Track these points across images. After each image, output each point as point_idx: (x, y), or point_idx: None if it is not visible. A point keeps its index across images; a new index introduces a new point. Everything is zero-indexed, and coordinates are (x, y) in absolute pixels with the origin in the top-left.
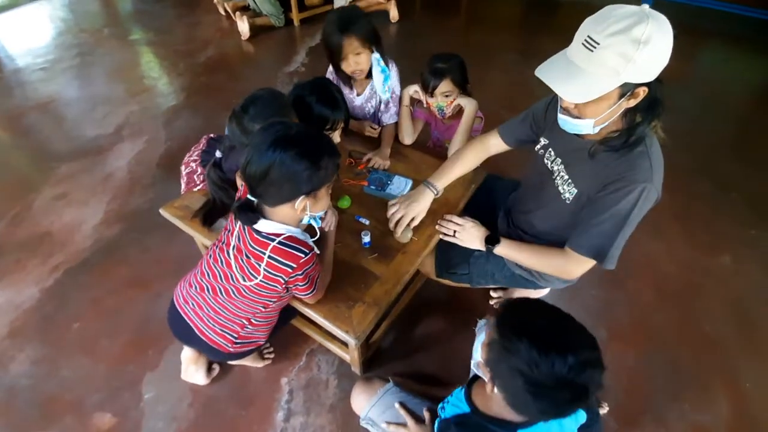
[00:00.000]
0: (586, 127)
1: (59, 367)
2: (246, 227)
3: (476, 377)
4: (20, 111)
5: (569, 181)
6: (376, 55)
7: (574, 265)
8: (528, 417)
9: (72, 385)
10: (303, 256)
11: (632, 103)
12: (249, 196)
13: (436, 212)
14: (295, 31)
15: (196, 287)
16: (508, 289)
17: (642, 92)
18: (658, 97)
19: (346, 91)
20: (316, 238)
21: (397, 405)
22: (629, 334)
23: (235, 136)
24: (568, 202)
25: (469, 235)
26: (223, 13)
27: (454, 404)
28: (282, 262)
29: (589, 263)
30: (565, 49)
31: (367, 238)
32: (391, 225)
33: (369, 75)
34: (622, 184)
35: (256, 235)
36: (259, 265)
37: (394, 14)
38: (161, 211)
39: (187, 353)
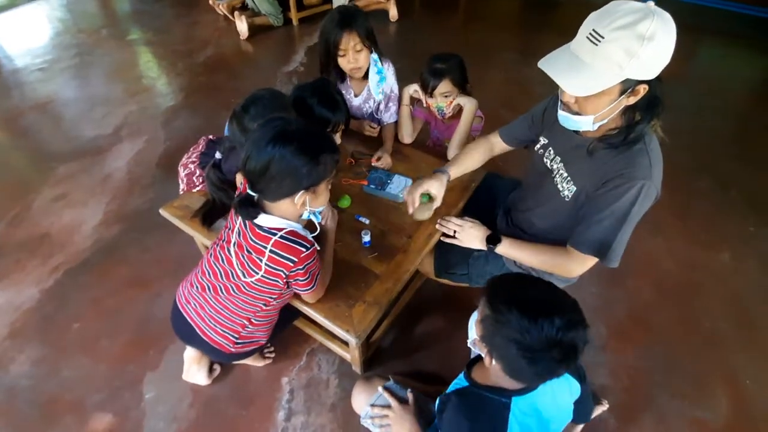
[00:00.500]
0: (586, 123)
1: (59, 368)
2: (247, 223)
3: (474, 362)
4: (19, 111)
5: (568, 178)
6: (374, 56)
7: (576, 264)
8: (525, 382)
9: (72, 385)
10: (304, 250)
11: (632, 100)
12: (249, 191)
13: (436, 211)
14: (294, 30)
15: (197, 287)
16: None
17: (642, 90)
18: (657, 96)
19: (345, 87)
20: (316, 233)
21: (380, 389)
22: (629, 331)
23: (236, 137)
24: (567, 199)
25: (468, 235)
26: (221, 13)
27: (454, 384)
28: (283, 256)
29: (590, 261)
30: (569, 43)
31: (367, 238)
32: (410, 208)
33: (366, 76)
34: (621, 181)
35: (257, 230)
36: (261, 260)
37: (393, 13)
38: (161, 211)
39: (190, 353)
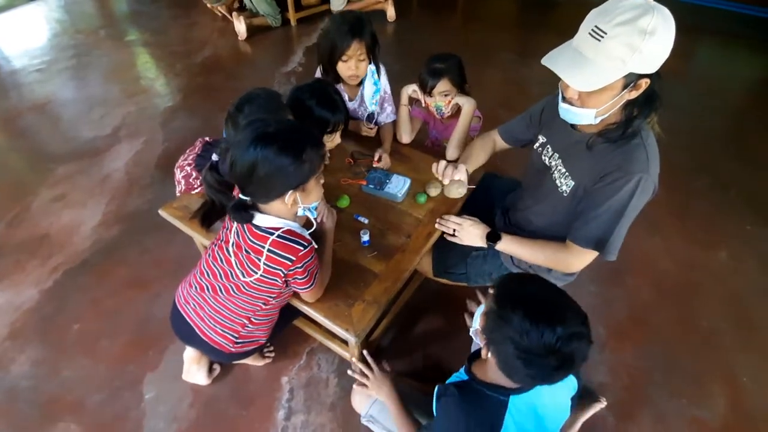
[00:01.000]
0: (588, 117)
1: (59, 368)
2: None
3: (475, 355)
4: (17, 112)
5: (566, 174)
6: (372, 68)
7: (576, 258)
8: (518, 382)
9: (72, 385)
10: (302, 248)
11: (634, 94)
12: (241, 196)
13: (435, 211)
14: (292, 30)
15: (196, 287)
16: None
17: (644, 84)
18: (656, 91)
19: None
20: (312, 230)
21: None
22: (627, 330)
23: (231, 138)
24: (565, 195)
25: (468, 233)
26: (218, 13)
27: (455, 376)
28: (281, 255)
29: (590, 255)
30: (571, 40)
31: (366, 237)
32: (445, 179)
33: (360, 83)
34: (619, 174)
35: (255, 230)
36: (259, 260)
37: (391, 14)
38: (160, 211)
39: (190, 353)
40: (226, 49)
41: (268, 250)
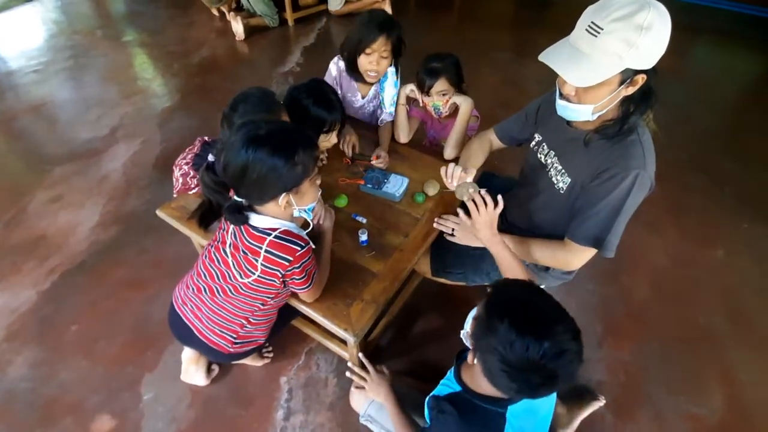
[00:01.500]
0: (585, 113)
1: (58, 370)
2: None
3: (464, 356)
4: (13, 113)
5: (562, 171)
6: (392, 69)
7: (574, 256)
8: (503, 393)
9: (71, 387)
10: (299, 249)
11: (631, 90)
12: (235, 197)
13: (433, 211)
14: (290, 31)
15: (193, 289)
16: None
17: (641, 79)
18: (651, 88)
19: (352, 89)
20: (309, 230)
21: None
22: (625, 328)
23: (227, 137)
24: (561, 192)
25: (466, 233)
26: (216, 14)
27: (445, 384)
28: (279, 256)
29: (589, 253)
30: (568, 36)
31: (364, 237)
32: (454, 181)
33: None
34: (616, 171)
35: (252, 231)
36: (256, 261)
37: (388, 12)
38: (158, 212)
39: (188, 354)
40: (223, 50)
41: (266, 251)
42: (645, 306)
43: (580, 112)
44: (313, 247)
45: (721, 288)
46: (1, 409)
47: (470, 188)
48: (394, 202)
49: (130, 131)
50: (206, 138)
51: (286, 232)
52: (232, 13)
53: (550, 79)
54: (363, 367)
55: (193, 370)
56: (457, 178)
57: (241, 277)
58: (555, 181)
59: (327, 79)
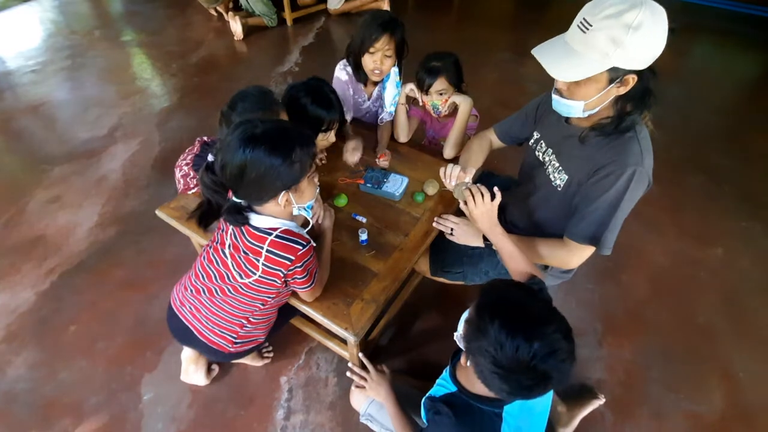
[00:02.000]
0: (577, 109)
1: (57, 371)
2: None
3: (459, 356)
4: (11, 114)
5: (560, 168)
6: (395, 69)
7: (573, 255)
8: (496, 394)
9: (70, 388)
10: (301, 248)
11: (622, 90)
12: (234, 198)
13: (433, 210)
14: (288, 30)
15: (191, 290)
16: None
17: (631, 80)
18: (649, 88)
19: (358, 89)
20: (308, 228)
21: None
22: (624, 327)
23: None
24: (559, 189)
25: (465, 232)
26: (214, 14)
27: (440, 384)
28: (280, 255)
29: (587, 251)
30: (565, 33)
31: (364, 236)
32: (452, 181)
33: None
34: (613, 168)
35: (252, 231)
36: (258, 260)
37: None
38: (157, 212)
39: (188, 353)
40: (222, 49)
41: (267, 251)
42: (644, 304)
43: (571, 108)
44: (315, 245)
45: (720, 286)
46: (0, 410)
47: (464, 187)
48: (393, 201)
49: (129, 131)
50: (206, 138)
51: (287, 231)
52: (230, 13)
53: (548, 78)
54: (363, 366)
55: (192, 370)
56: (456, 177)
57: (242, 278)
58: (552, 179)
59: (336, 84)
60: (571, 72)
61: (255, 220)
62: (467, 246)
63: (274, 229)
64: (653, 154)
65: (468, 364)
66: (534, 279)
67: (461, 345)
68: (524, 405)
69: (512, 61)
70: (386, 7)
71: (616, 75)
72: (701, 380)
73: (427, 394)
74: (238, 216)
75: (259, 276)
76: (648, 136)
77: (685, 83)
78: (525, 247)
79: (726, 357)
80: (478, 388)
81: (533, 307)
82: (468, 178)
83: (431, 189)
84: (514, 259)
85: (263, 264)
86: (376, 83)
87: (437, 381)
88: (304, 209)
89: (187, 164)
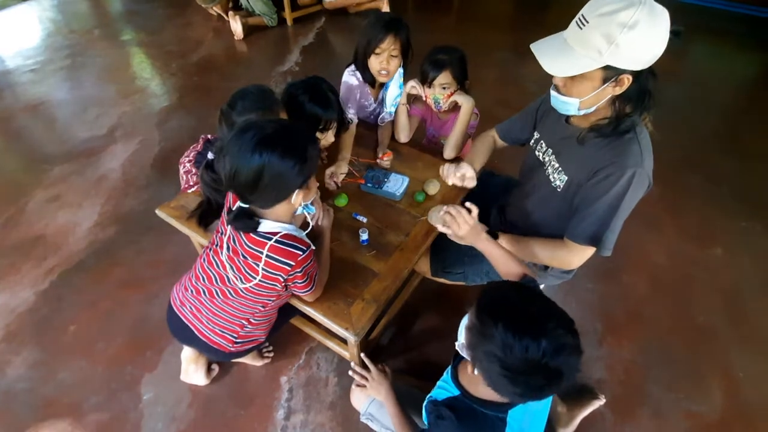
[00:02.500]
0: (572, 106)
1: (56, 370)
2: None
3: (460, 357)
4: (10, 113)
5: (560, 169)
6: (401, 70)
7: (574, 255)
8: (508, 399)
9: (70, 387)
10: (301, 253)
11: (618, 90)
12: (241, 204)
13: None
14: (288, 30)
15: (191, 291)
16: None
17: (627, 80)
18: (648, 90)
19: (365, 93)
20: (308, 231)
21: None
22: (624, 327)
23: (225, 136)
24: (558, 189)
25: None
26: (212, 13)
27: (442, 387)
28: (281, 261)
29: (588, 252)
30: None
31: (364, 236)
32: (449, 180)
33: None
34: (613, 169)
35: (252, 235)
36: (257, 265)
37: (386, 12)
38: (157, 211)
39: (188, 353)
40: (221, 49)
41: (267, 256)
42: (644, 304)
43: (567, 104)
44: (314, 249)
45: (720, 286)
46: (0, 410)
47: (440, 212)
48: (394, 201)
49: (129, 131)
50: (209, 136)
51: (287, 236)
52: (230, 13)
53: (548, 77)
54: (364, 366)
55: (192, 370)
56: (451, 176)
57: (242, 282)
58: (552, 179)
59: (344, 87)
60: (563, 67)
61: (260, 224)
62: (468, 246)
63: (274, 234)
64: (653, 155)
65: (476, 372)
66: (525, 277)
67: (465, 354)
68: (526, 406)
69: (512, 61)
70: (385, 7)
71: (610, 74)
72: (701, 380)
73: (428, 397)
74: (248, 221)
75: (259, 280)
76: (648, 138)
77: (684, 84)
78: (525, 246)
79: (726, 357)
80: (482, 391)
81: (533, 305)
82: (444, 208)
83: (432, 189)
84: (503, 261)
85: (263, 269)
86: (382, 86)
87: (438, 383)
88: (307, 207)
89: (189, 161)
